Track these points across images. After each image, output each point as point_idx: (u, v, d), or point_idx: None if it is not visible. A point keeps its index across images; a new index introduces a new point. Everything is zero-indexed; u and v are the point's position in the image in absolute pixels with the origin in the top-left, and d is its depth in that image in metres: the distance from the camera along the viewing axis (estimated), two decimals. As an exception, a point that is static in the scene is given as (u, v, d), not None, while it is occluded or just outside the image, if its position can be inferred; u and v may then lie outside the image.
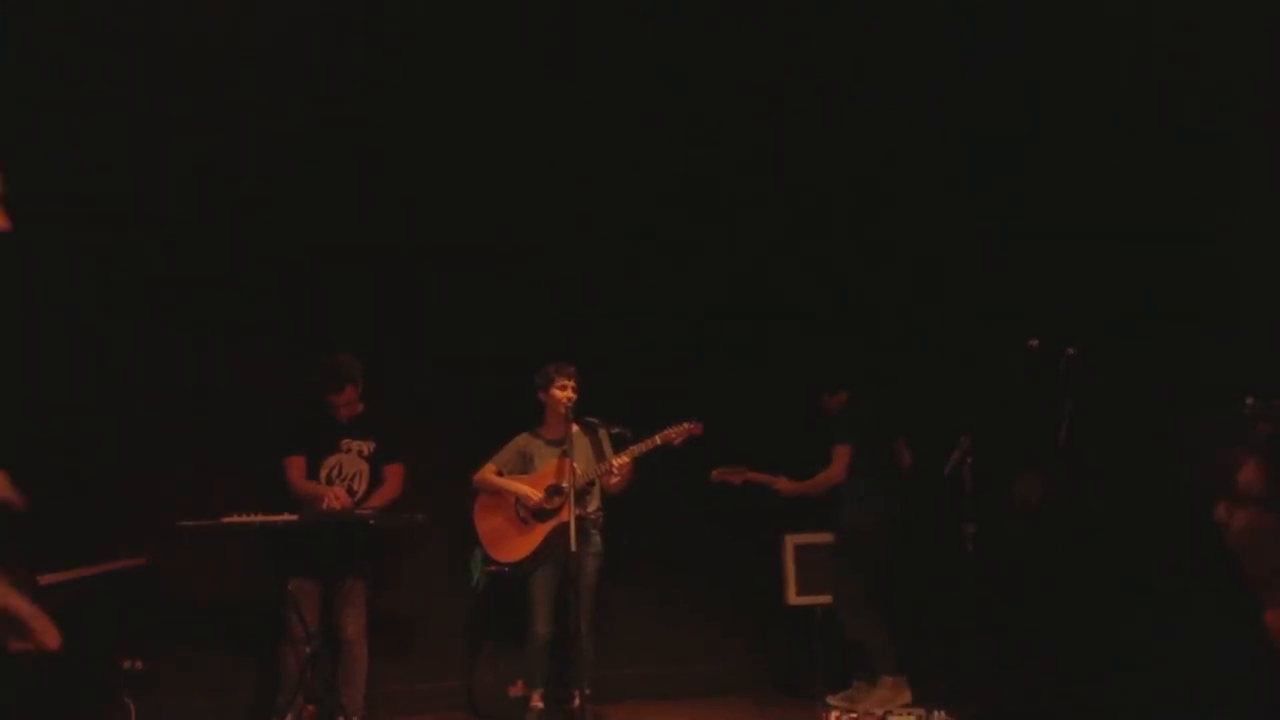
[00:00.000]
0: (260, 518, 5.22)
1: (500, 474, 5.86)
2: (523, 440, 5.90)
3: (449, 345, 6.51)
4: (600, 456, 5.73)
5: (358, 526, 5.40)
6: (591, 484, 5.73)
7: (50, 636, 3.04)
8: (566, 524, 5.31)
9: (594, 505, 5.78)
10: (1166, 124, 5.71)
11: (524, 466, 5.86)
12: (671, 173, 6.80)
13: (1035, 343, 5.38)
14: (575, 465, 5.52)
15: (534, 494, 5.75)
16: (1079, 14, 5.95)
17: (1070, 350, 5.30)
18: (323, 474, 5.70)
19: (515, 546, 5.78)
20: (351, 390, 5.67)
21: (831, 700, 6.10)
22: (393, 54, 6.35)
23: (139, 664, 5.35)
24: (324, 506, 5.50)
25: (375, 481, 5.72)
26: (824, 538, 6.28)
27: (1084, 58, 6.00)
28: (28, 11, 5.66)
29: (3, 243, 5.58)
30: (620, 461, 5.63)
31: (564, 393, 5.68)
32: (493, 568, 5.84)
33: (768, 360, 6.82)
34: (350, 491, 5.67)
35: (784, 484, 6.27)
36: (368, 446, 5.74)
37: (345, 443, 5.73)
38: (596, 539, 5.78)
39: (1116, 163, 5.95)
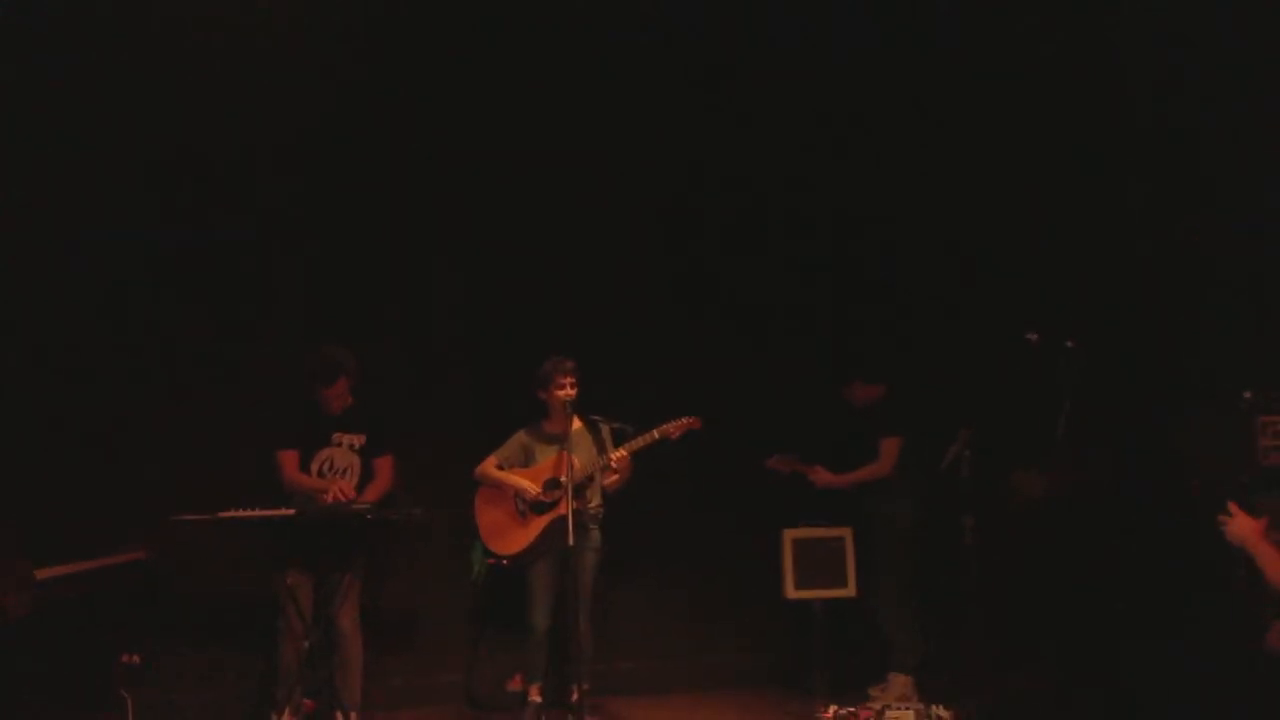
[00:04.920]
0: (257, 512, 5.23)
1: (501, 468, 5.86)
2: (525, 435, 5.88)
3: (451, 338, 6.50)
4: (602, 452, 5.73)
5: (354, 520, 5.40)
6: (591, 478, 5.73)
7: None
8: (565, 517, 5.32)
9: (595, 500, 5.77)
10: (1166, 120, 5.73)
11: (526, 461, 5.85)
12: (674, 168, 6.80)
13: (1034, 336, 5.38)
14: (574, 460, 5.52)
15: (532, 487, 5.74)
16: (1079, 13, 5.97)
17: (1070, 343, 5.30)
18: (314, 468, 5.68)
19: (513, 539, 5.77)
20: (344, 383, 5.63)
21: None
22: (396, 49, 6.35)
23: (136, 658, 5.34)
24: (329, 499, 5.48)
25: (366, 475, 5.70)
26: (822, 531, 6.28)
27: (1083, 55, 6.02)
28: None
29: (5, 241, 5.64)
30: (618, 455, 5.62)
31: (562, 391, 5.67)
32: (491, 560, 5.84)
33: (767, 356, 6.82)
34: None
35: (822, 475, 6.26)
36: (359, 440, 5.72)
37: (337, 436, 5.71)
38: (595, 534, 5.78)
39: (1116, 159, 5.97)
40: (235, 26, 5.95)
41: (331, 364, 5.58)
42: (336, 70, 6.18)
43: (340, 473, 5.67)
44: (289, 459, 5.66)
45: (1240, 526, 3.93)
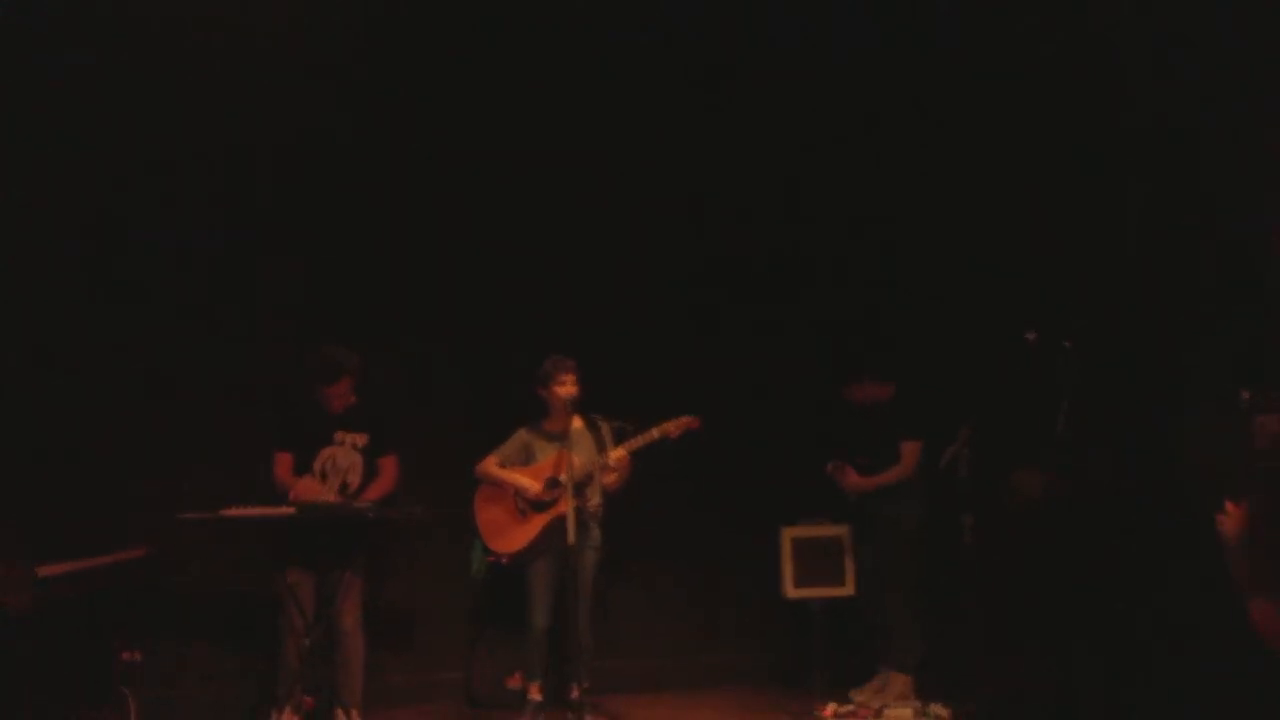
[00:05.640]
0: (259, 510, 5.24)
1: (502, 466, 5.87)
2: (525, 434, 5.90)
3: (451, 336, 6.52)
4: (603, 450, 5.74)
5: (355, 519, 5.41)
6: (591, 477, 5.74)
7: None
8: (564, 516, 5.33)
9: (595, 499, 5.78)
10: (1166, 120, 5.72)
11: (526, 459, 5.86)
12: (674, 167, 6.80)
13: (1033, 336, 5.39)
14: (574, 458, 5.54)
15: (532, 485, 5.75)
16: (1079, 13, 5.96)
17: (1068, 343, 5.31)
18: (316, 467, 5.67)
19: (513, 537, 5.78)
20: (347, 382, 5.64)
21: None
22: (396, 49, 6.37)
23: (138, 656, 5.35)
24: (291, 497, 5.47)
25: (369, 474, 5.71)
26: (821, 530, 6.28)
27: (1083, 55, 6.01)
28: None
29: (7, 239, 5.67)
30: (617, 455, 5.64)
31: (564, 389, 5.68)
32: (491, 558, 5.85)
33: (767, 355, 6.82)
34: (344, 485, 5.66)
35: (852, 477, 6.21)
36: (361, 439, 5.72)
37: (339, 435, 5.71)
38: (595, 532, 5.79)
39: (1116, 159, 5.97)
40: (235, 26, 5.97)
41: (333, 363, 5.59)
42: (336, 70, 6.20)
43: (343, 472, 5.68)
44: (282, 461, 5.66)
45: (1236, 525, 3.93)
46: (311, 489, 5.54)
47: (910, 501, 6.14)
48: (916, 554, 6.17)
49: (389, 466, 5.72)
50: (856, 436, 6.29)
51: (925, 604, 6.22)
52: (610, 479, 5.73)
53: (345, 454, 5.71)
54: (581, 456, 5.66)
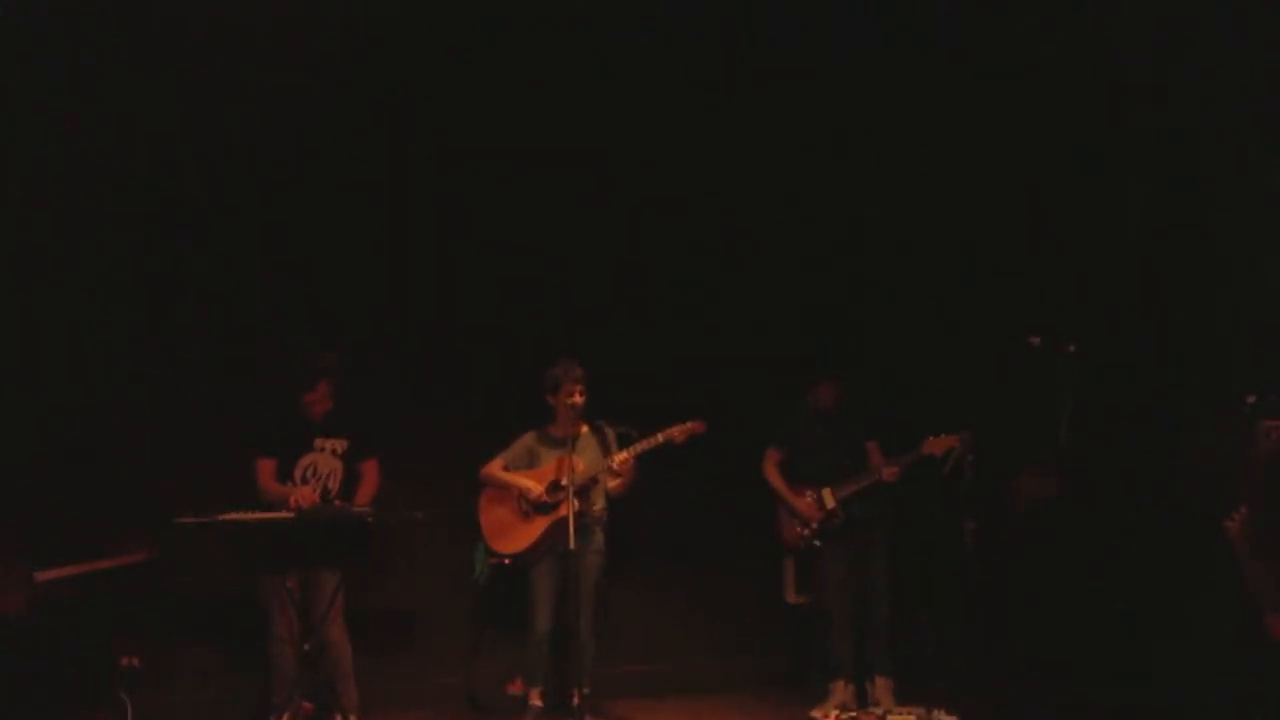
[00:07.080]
0: (258, 515, 5.22)
1: (507, 469, 5.86)
2: (530, 438, 5.88)
3: (451, 336, 6.49)
4: (607, 455, 5.72)
5: (353, 524, 5.38)
6: (595, 481, 5.72)
7: None
8: (566, 519, 5.31)
9: (599, 503, 5.77)
10: (1166, 120, 5.73)
11: (530, 463, 5.86)
12: (674, 167, 6.79)
13: (1035, 340, 5.39)
14: (578, 463, 5.52)
15: (536, 488, 5.74)
16: (1079, 13, 5.97)
17: (1070, 347, 5.31)
18: (297, 474, 5.62)
19: (516, 538, 5.77)
20: (324, 386, 5.60)
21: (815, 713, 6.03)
22: (396, 49, 6.35)
23: (136, 661, 5.33)
24: (292, 504, 5.43)
25: (350, 479, 5.66)
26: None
27: (1083, 55, 6.02)
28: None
29: (7, 239, 5.64)
30: (621, 458, 5.62)
31: (571, 398, 5.66)
32: (494, 560, 5.84)
33: (769, 356, 6.81)
34: (325, 491, 5.62)
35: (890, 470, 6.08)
36: (341, 445, 5.67)
37: (319, 442, 5.66)
38: (599, 537, 5.78)
39: (1116, 159, 5.97)
40: (235, 26, 5.95)
41: (311, 370, 5.56)
42: (336, 70, 6.17)
43: (324, 478, 5.64)
44: (265, 468, 5.61)
45: (1245, 530, 3.94)
46: (310, 496, 5.52)
47: (893, 503, 6.07)
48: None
49: (370, 471, 5.68)
50: (827, 439, 6.17)
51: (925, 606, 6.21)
52: (614, 483, 5.72)
53: (325, 460, 5.67)
54: (586, 461, 5.65)
